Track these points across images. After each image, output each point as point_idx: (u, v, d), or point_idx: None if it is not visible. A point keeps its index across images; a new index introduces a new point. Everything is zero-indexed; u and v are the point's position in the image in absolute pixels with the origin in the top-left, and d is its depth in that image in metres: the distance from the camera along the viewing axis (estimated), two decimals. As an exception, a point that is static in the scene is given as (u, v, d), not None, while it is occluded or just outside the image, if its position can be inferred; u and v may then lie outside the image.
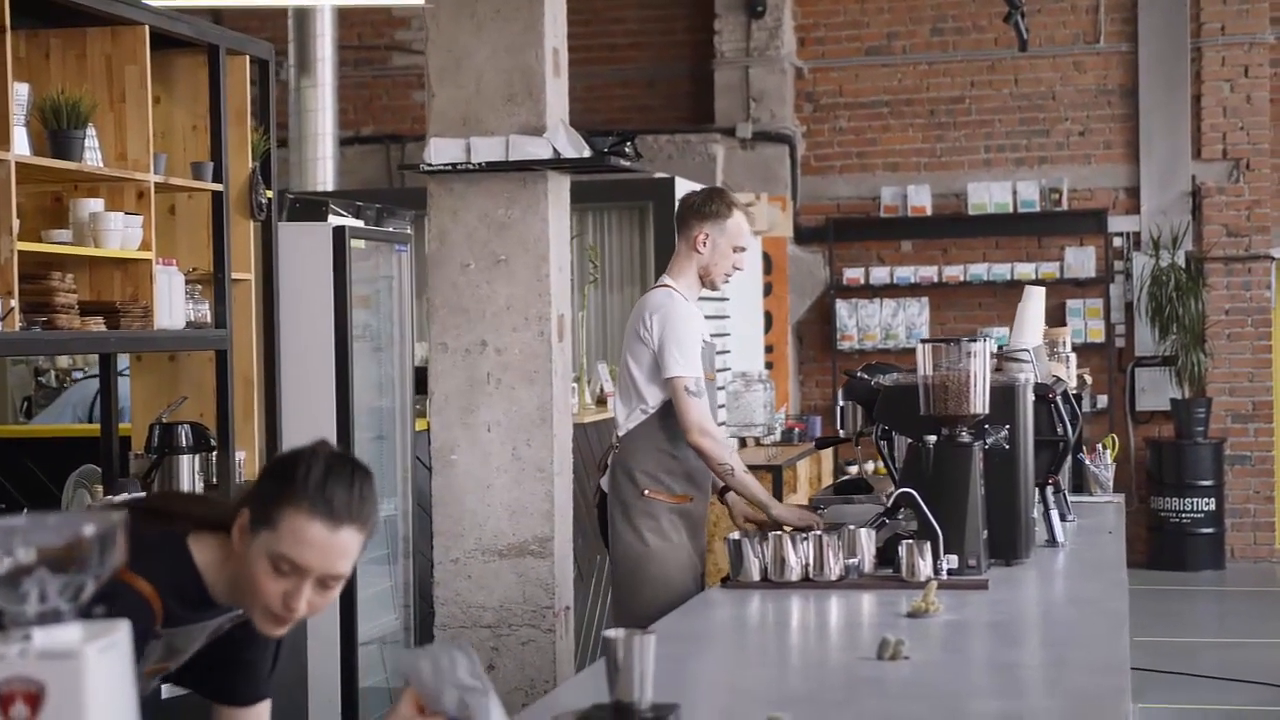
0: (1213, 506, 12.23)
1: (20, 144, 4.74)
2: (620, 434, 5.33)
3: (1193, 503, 12.21)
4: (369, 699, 6.58)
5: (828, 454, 11.27)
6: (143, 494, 5.03)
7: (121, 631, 1.83)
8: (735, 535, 4.40)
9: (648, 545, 5.20)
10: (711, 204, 5.35)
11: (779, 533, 4.38)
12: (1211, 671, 8.76)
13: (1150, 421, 12.68)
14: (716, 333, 10.24)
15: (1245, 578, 12.10)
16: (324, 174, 10.63)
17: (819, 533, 4.36)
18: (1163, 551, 12.31)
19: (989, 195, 12.72)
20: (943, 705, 3.02)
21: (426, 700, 2.58)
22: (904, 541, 4.28)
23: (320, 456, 2.62)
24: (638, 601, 5.18)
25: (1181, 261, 12.35)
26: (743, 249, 5.37)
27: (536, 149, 6.08)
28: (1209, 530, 12.25)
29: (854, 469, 12.05)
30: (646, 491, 5.22)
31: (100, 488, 5.47)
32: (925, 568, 4.22)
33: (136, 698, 1.87)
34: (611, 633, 2.76)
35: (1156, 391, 12.56)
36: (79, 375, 8.52)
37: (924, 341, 4.51)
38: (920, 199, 12.84)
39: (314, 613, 2.63)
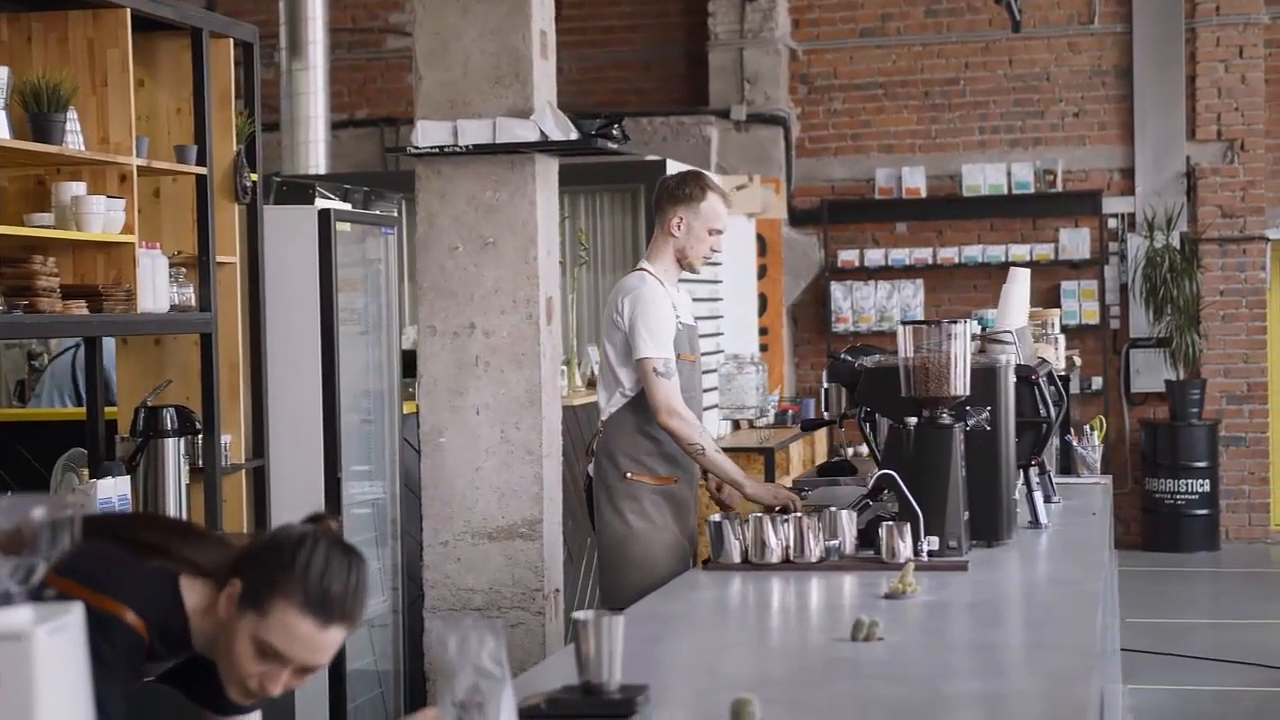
0: (1207, 488, 12.24)
1: (0, 128, 4.73)
2: (602, 418, 5.37)
3: (1187, 484, 12.21)
4: (356, 682, 6.59)
5: (821, 436, 11.27)
6: (131, 513, 4.95)
7: (73, 614, 1.83)
8: (716, 517, 4.41)
9: (631, 527, 5.22)
10: (685, 187, 5.36)
11: (759, 514, 4.39)
12: (1206, 653, 8.77)
13: (1145, 403, 12.68)
14: (710, 315, 10.27)
15: (1240, 559, 12.11)
16: (315, 157, 10.62)
17: (799, 514, 4.37)
18: (1157, 533, 12.32)
19: (983, 177, 12.71)
20: (913, 686, 3.02)
21: (439, 673, 2.59)
22: (884, 523, 4.28)
23: (321, 545, 2.60)
24: (622, 584, 5.20)
25: (1176, 243, 12.34)
26: (719, 231, 5.37)
27: (523, 131, 6.07)
28: (1203, 512, 12.25)
29: (849, 451, 12.07)
30: (629, 474, 5.25)
31: (86, 470, 5.47)
32: (905, 549, 4.22)
33: (88, 680, 1.87)
34: (580, 615, 2.78)
35: (1151, 373, 12.56)
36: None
37: (905, 323, 4.51)
38: (915, 181, 12.83)
39: (286, 690, 2.62)
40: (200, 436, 5.63)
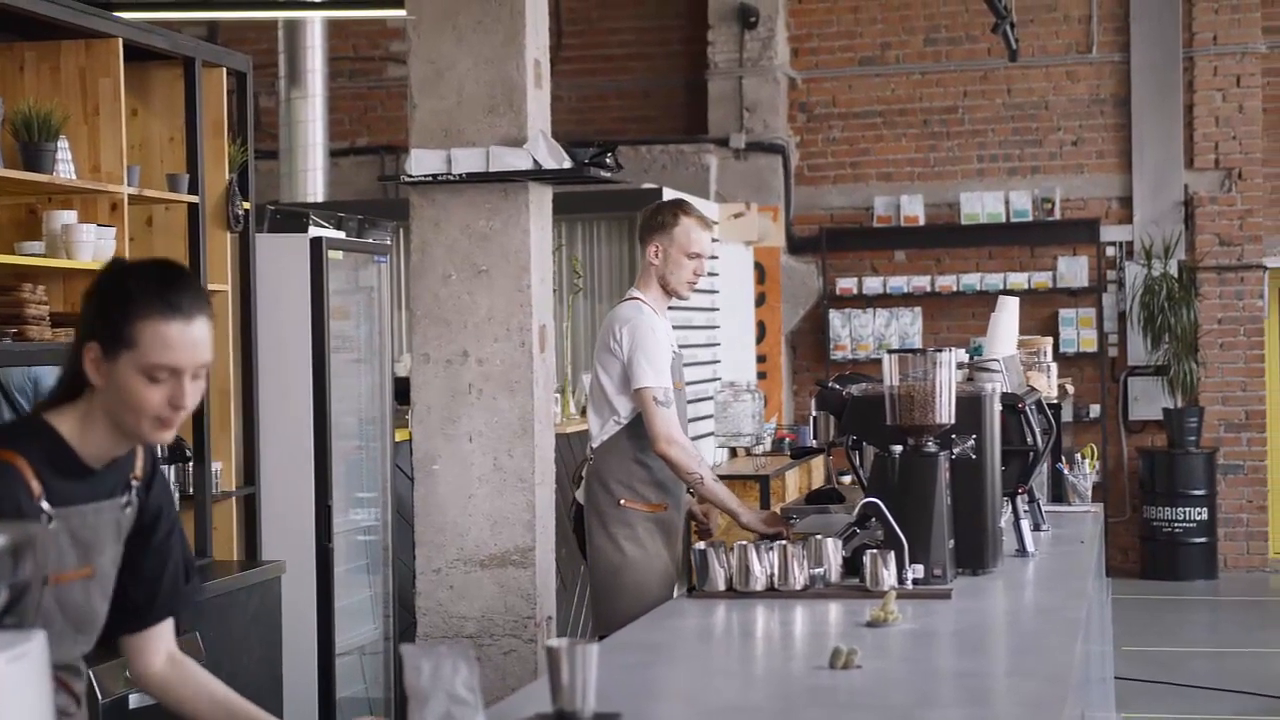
0: (1205, 516, 12.22)
1: (-8, 157, 4.77)
2: (594, 445, 5.42)
3: (1185, 512, 12.20)
4: (347, 709, 6.59)
5: (819, 464, 11.27)
6: None
7: (35, 642, 1.84)
8: (701, 545, 4.41)
9: (625, 554, 5.25)
10: (659, 215, 5.45)
11: (744, 543, 4.39)
12: (1203, 681, 8.76)
13: (1143, 431, 12.68)
14: (706, 342, 10.28)
15: (1238, 587, 12.09)
16: (314, 185, 10.66)
17: (784, 542, 4.37)
18: (1155, 561, 12.31)
19: (982, 205, 12.73)
20: (889, 714, 3.02)
21: (411, 698, 2.60)
22: (868, 551, 4.29)
23: (141, 268, 2.72)
24: (615, 611, 5.21)
25: (1174, 271, 12.36)
26: (697, 255, 5.41)
27: (516, 160, 6.09)
28: (1201, 540, 12.24)
29: (847, 479, 12.06)
30: (622, 501, 5.27)
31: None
32: (889, 577, 4.22)
33: (51, 708, 1.88)
34: (553, 642, 2.79)
35: (1149, 401, 12.56)
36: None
37: (890, 352, 4.52)
38: (913, 209, 12.86)
39: (192, 406, 2.70)
40: (191, 464, 5.64)
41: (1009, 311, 5.53)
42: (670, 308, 5.59)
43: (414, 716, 2.67)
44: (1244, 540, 12.57)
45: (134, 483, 2.83)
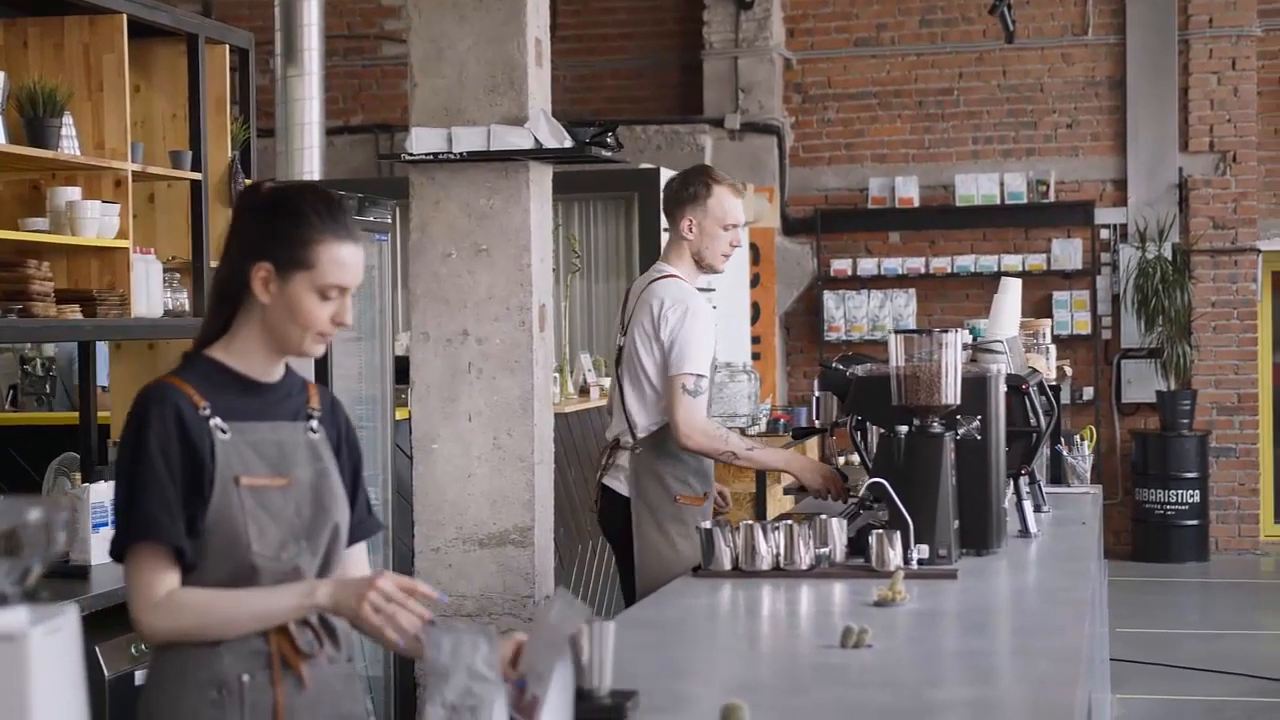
0: (1197, 498, 12.26)
1: (-4, 133, 4.76)
2: (639, 434, 5.22)
3: (1177, 494, 12.24)
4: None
5: (813, 445, 11.29)
6: None
7: (68, 615, 1.85)
8: (706, 524, 4.42)
9: (679, 552, 5.09)
10: (689, 187, 5.23)
11: (750, 522, 4.40)
12: (1194, 663, 8.79)
13: (1136, 413, 12.71)
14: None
15: (1229, 569, 12.14)
16: (310, 163, 10.56)
17: (790, 522, 4.36)
18: (1147, 543, 12.35)
19: (976, 187, 12.74)
20: (901, 692, 3.04)
21: (432, 675, 2.62)
22: (874, 531, 4.30)
23: (309, 191, 2.90)
24: None
25: (1168, 254, 12.37)
26: (734, 225, 5.20)
27: (518, 139, 6.09)
28: (1193, 522, 12.28)
29: (840, 460, 12.07)
30: (679, 498, 5.15)
31: (79, 475, 5.48)
32: (895, 557, 4.23)
33: (84, 681, 1.88)
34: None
35: (1142, 383, 12.58)
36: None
37: (897, 332, 4.52)
38: (908, 190, 12.86)
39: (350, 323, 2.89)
40: (194, 441, 5.63)
41: (1012, 293, 5.54)
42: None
43: (433, 691, 2.68)
44: (1235, 523, 12.62)
45: (314, 412, 2.96)
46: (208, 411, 2.80)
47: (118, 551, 2.82)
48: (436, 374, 5.90)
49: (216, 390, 2.84)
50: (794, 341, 13.21)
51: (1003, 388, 4.75)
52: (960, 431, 4.51)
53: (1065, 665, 3.13)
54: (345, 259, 2.83)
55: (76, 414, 6.07)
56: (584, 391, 7.94)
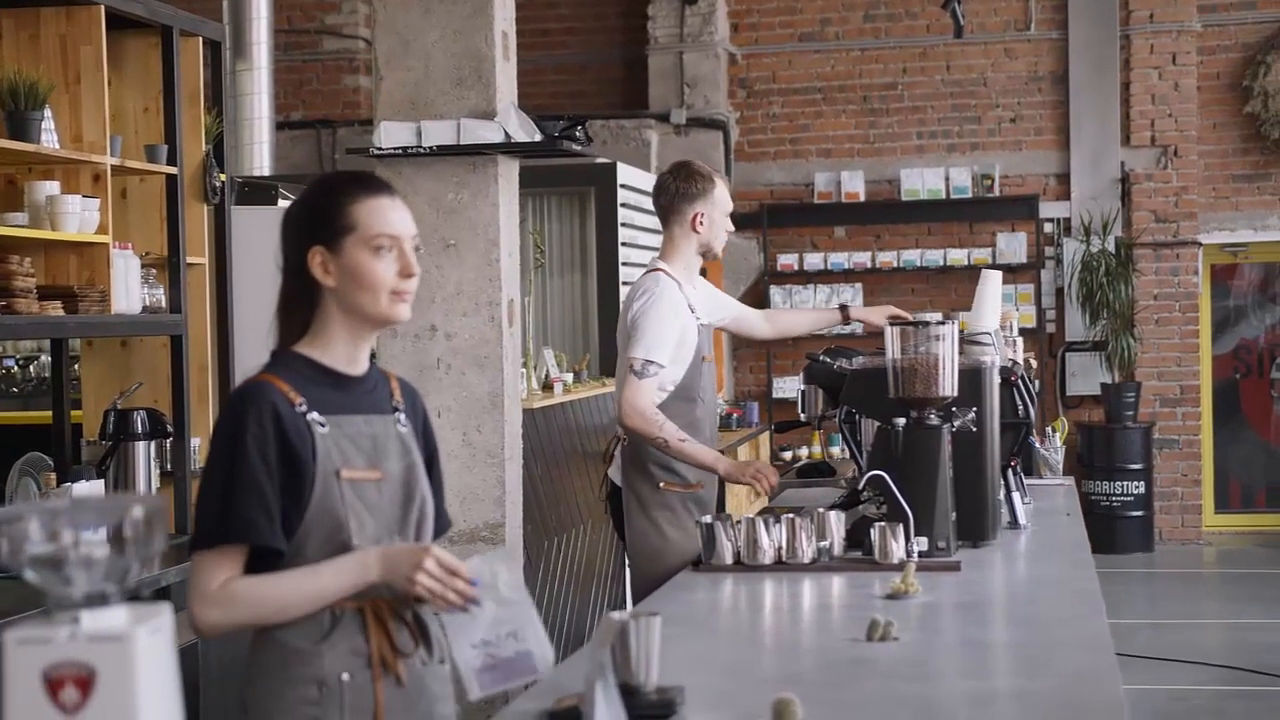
0: (1142, 490, 12.38)
1: (-24, 126, 4.67)
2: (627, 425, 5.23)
3: (1122, 486, 12.35)
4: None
5: (765, 439, 11.32)
6: None
7: (165, 615, 1.81)
8: (707, 519, 4.40)
9: (667, 539, 5.15)
10: (694, 183, 5.35)
11: (751, 515, 4.38)
12: (1143, 652, 8.87)
13: (1080, 406, 12.81)
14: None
15: (1174, 560, 12.26)
16: (260, 158, 10.50)
17: (792, 516, 4.35)
18: (1093, 534, 12.22)
19: (922, 181, 12.79)
20: (940, 684, 3.03)
21: (451, 622, 2.67)
22: (876, 524, 4.29)
23: (333, 174, 2.99)
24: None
25: (1111, 247, 12.48)
26: (730, 210, 5.45)
27: (488, 133, 6.05)
28: (1138, 513, 12.39)
29: (804, 452, 12.11)
30: (662, 484, 5.18)
31: (53, 475, 5.39)
32: (899, 550, 4.23)
33: (179, 679, 1.84)
34: (618, 615, 2.76)
35: (1087, 376, 12.69)
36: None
37: (893, 323, 4.52)
38: (854, 185, 12.89)
39: (418, 274, 2.89)
40: (170, 440, 5.56)
41: (993, 285, 5.55)
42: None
43: (459, 636, 2.71)
44: (1179, 514, 12.74)
45: (399, 404, 2.97)
46: (304, 407, 2.81)
47: (201, 547, 2.81)
48: (405, 370, 5.86)
49: (309, 385, 2.85)
50: (740, 337, 13.17)
51: (996, 379, 4.77)
52: (956, 423, 4.52)
53: (1100, 656, 3.14)
54: (383, 208, 2.86)
55: (43, 413, 5.98)
56: (548, 387, 7.90)
